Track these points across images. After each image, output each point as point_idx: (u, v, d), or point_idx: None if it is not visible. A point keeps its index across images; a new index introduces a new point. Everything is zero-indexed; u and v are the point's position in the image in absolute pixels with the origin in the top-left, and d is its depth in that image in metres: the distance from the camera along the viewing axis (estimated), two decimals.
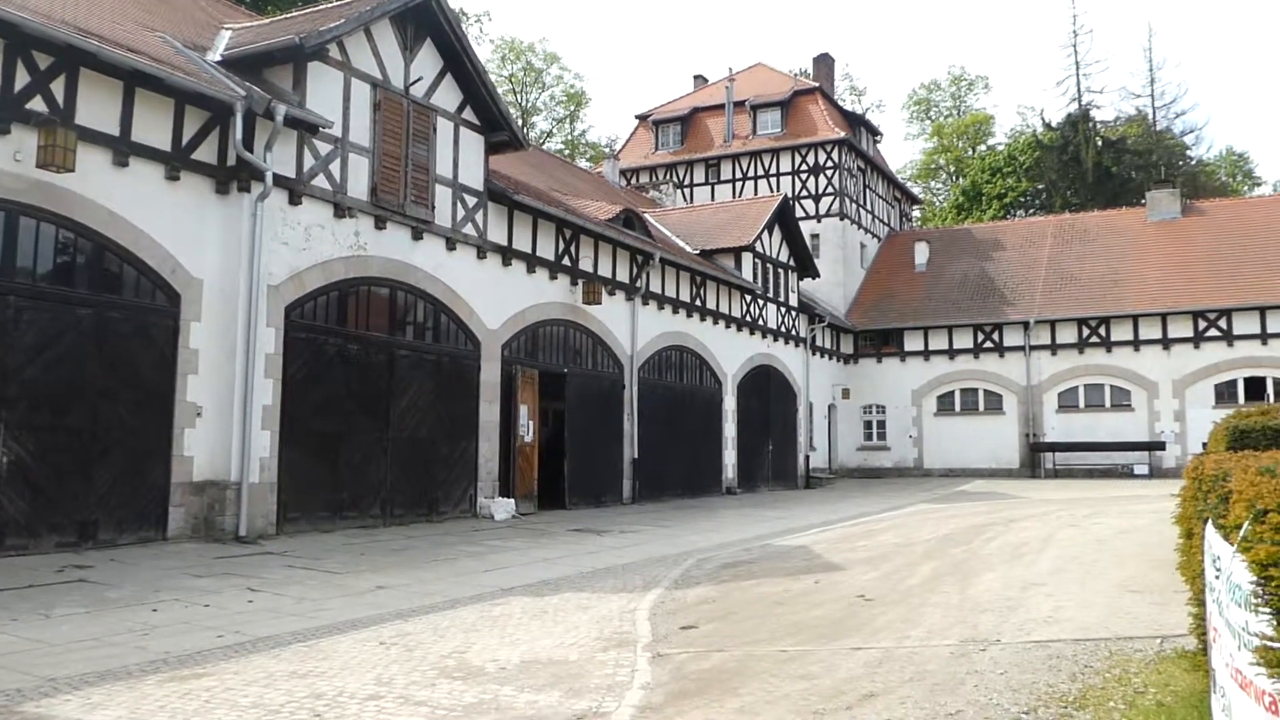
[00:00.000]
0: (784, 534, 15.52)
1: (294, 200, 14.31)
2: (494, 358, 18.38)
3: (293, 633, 7.29)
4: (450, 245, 17.36)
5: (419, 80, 16.62)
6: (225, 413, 13.15)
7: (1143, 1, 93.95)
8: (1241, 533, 3.11)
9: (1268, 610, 2.93)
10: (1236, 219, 35.88)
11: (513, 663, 6.46)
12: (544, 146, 54.10)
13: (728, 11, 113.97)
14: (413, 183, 16.44)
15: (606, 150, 55.50)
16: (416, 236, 16.59)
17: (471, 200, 17.82)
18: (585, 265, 21.32)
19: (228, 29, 16.21)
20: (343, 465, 15.02)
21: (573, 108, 64.75)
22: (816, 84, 42.05)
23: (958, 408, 35.41)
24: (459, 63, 17.33)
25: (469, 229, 17.77)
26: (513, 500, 17.98)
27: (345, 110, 15.19)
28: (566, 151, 61.92)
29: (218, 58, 14.39)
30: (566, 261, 20.70)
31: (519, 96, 61.44)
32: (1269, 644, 2.88)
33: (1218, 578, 3.84)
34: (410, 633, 7.39)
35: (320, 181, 14.78)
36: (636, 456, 22.55)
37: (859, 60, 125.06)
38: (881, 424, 36.41)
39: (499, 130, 18.30)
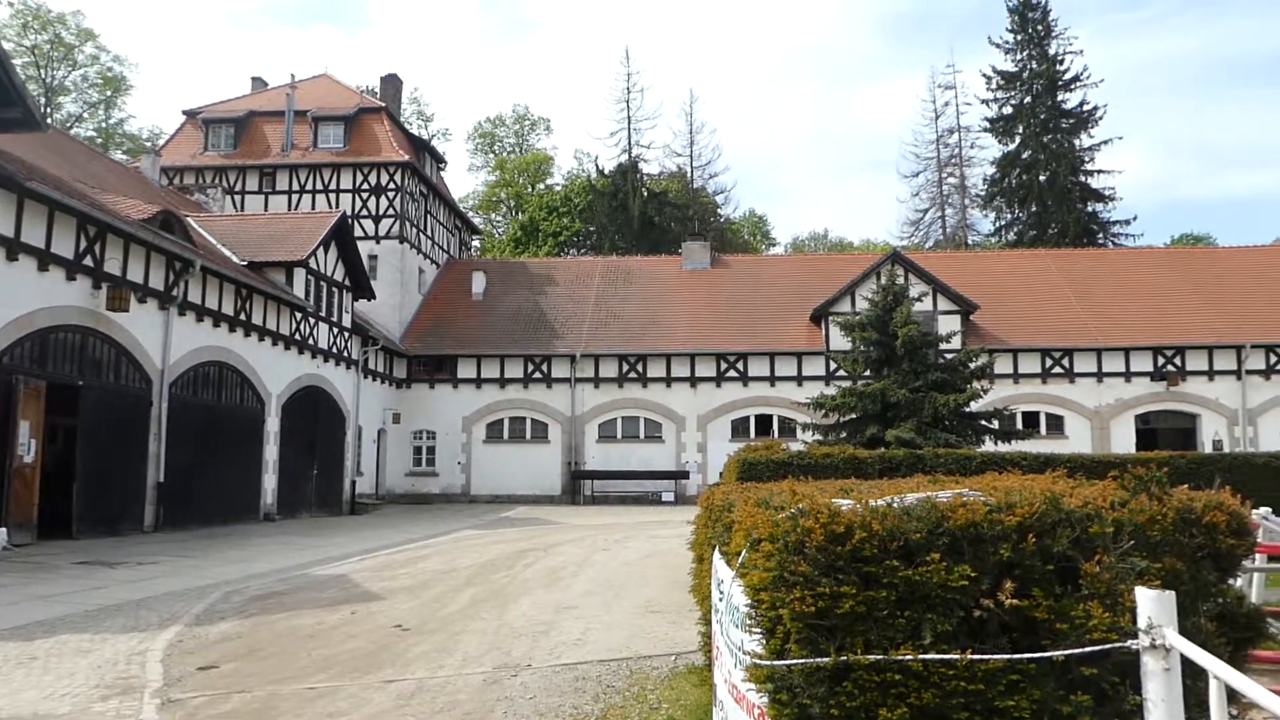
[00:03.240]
0: (324, 563, 14.94)
1: None
2: None
3: None
4: None
5: None
6: None
7: (685, 69, 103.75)
8: (740, 560, 3.36)
9: (759, 630, 3.18)
10: (755, 273, 40.51)
11: None
12: (71, 132, 48.38)
13: (293, 18, 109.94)
14: None
15: (148, 145, 50.74)
16: None
17: None
18: (113, 268, 19.25)
19: None
20: None
21: (110, 93, 58.58)
22: (383, 104, 41.45)
23: (506, 435, 36.33)
24: None
25: None
26: (4, 529, 15.66)
27: None
28: (99, 141, 55.83)
29: None
30: (89, 262, 18.55)
31: (42, 72, 54.41)
32: (758, 661, 3.13)
33: (721, 600, 4.17)
34: None
35: None
36: (163, 480, 20.63)
37: (428, 85, 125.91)
38: (431, 450, 36.41)
39: (10, 105, 15.99)
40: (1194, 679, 2.76)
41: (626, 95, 61.12)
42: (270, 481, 25.85)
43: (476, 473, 35.97)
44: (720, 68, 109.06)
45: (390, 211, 37.47)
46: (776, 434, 34.10)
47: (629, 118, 60.76)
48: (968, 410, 22.79)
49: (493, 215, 69.86)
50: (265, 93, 42.05)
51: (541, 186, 67.33)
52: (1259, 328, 34.54)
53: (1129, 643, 2.80)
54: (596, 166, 60.56)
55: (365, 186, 37.66)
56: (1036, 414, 34.59)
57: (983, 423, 23.11)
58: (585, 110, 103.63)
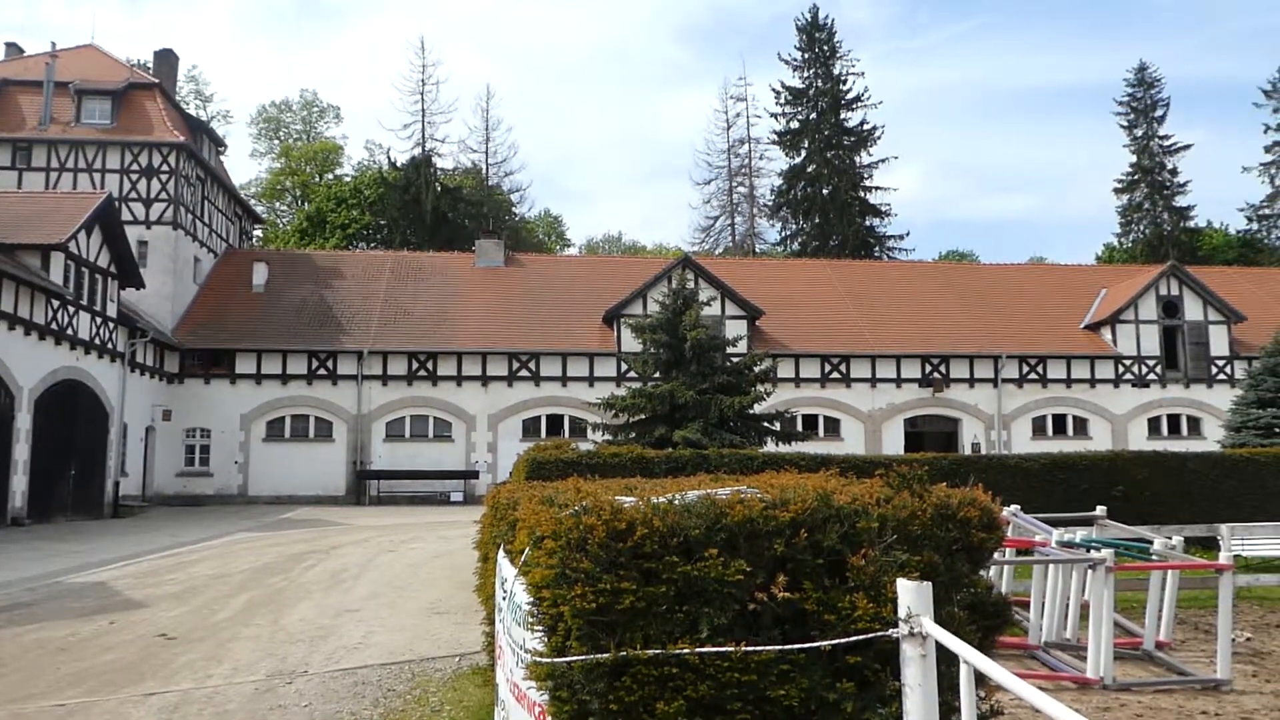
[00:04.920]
0: (80, 570, 13.91)
1: None
2: None
3: None
4: None
5: None
6: None
7: (483, 64, 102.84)
8: (524, 557, 3.34)
9: (540, 628, 3.17)
10: (549, 273, 40.55)
11: None
12: None
13: None
14: None
15: None
16: None
17: None
18: None
19: None
20: None
21: None
22: (157, 80, 38.90)
23: (288, 434, 34.86)
24: None
25: None
26: None
27: None
28: None
29: None
30: None
31: None
32: (539, 659, 3.11)
33: (505, 599, 4.13)
34: None
35: None
36: None
37: (208, 64, 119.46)
38: (205, 449, 34.46)
39: None
40: (948, 664, 2.93)
41: (421, 87, 59.81)
42: (20, 483, 23.83)
43: (255, 473, 34.35)
44: (519, 66, 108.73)
45: (163, 195, 35.23)
46: (568, 434, 34.23)
47: (423, 110, 59.54)
48: (752, 412, 23.58)
49: (277, 204, 66.88)
50: (21, 60, 38.70)
51: (330, 176, 64.97)
52: (1014, 340, 37.48)
53: (890, 631, 2.95)
54: (389, 158, 59.08)
55: (135, 168, 35.27)
56: (816, 416, 36.21)
57: (765, 424, 23.96)
58: (377, 100, 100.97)
